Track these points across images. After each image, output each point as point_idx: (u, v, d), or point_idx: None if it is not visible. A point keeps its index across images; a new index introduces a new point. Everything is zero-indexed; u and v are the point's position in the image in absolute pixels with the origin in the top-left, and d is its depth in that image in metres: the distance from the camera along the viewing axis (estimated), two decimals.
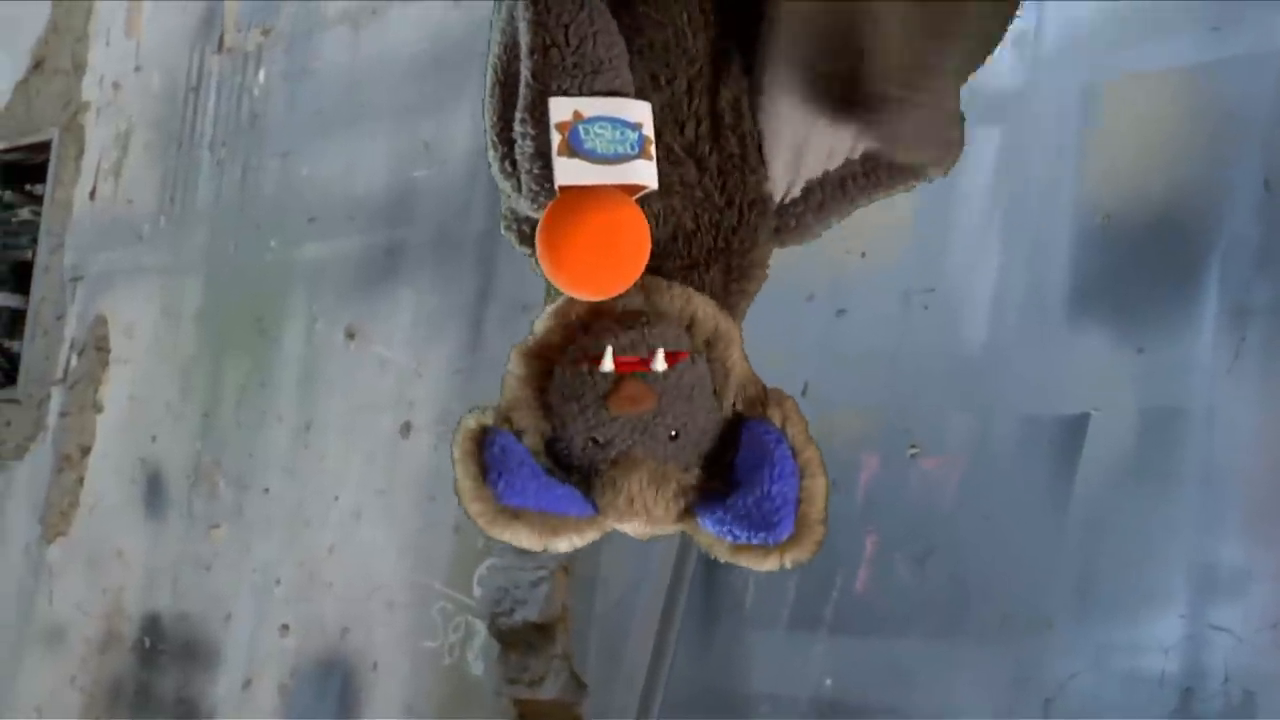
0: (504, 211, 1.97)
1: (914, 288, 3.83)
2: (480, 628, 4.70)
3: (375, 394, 5.18)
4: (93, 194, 6.51)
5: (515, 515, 1.80)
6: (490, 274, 4.93)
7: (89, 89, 6.61)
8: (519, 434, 1.84)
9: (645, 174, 1.80)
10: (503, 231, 1.98)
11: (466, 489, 1.81)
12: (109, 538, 6.08)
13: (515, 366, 1.86)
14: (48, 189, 6.68)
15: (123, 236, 6.34)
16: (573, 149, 1.78)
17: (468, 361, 4.94)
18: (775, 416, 1.84)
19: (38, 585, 6.35)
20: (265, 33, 5.88)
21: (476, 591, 4.72)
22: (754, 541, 1.80)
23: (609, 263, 1.77)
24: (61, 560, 6.26)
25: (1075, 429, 3.52)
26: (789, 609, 3.95)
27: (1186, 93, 3.49)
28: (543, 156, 1.81)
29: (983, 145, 3.77)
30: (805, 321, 3.94)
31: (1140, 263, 3.48)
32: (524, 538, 1.81)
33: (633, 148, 1.79)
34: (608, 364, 1.80)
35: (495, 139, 1.90)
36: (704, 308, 1.86)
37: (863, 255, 3.86)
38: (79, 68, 6.66)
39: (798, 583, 3.93)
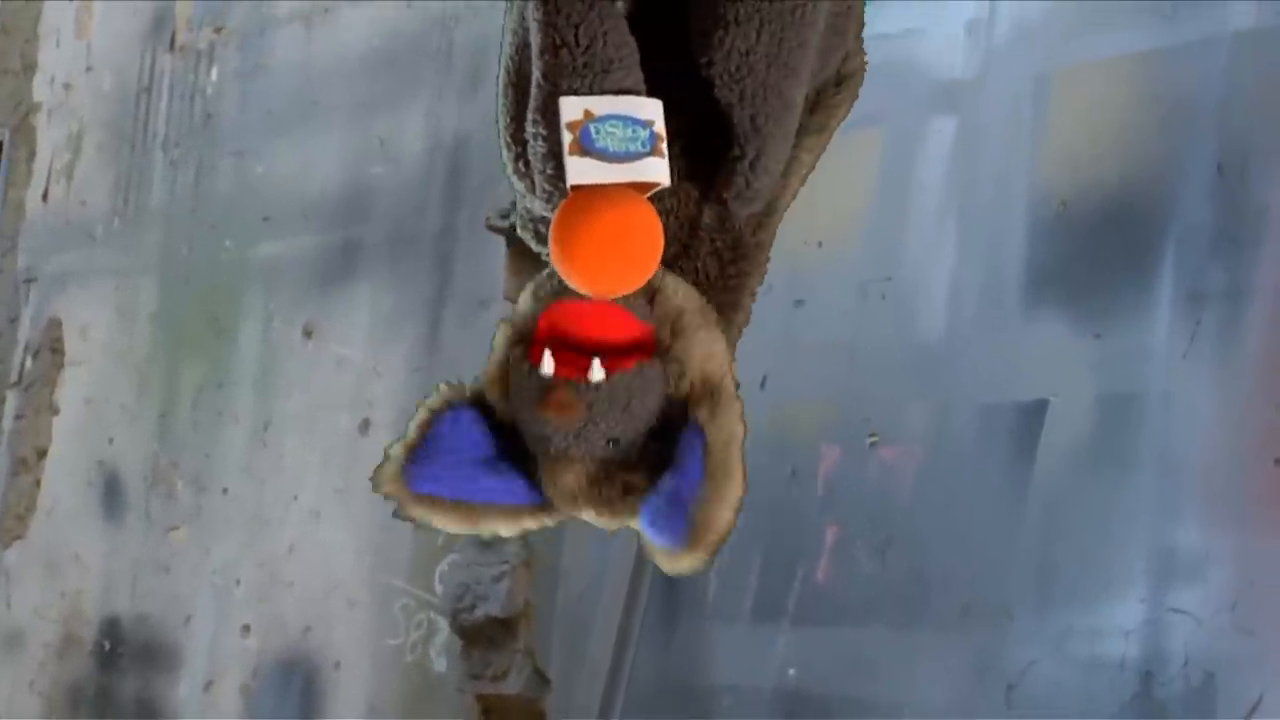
0: (520, 212, 1.97)
1: (871, 277, 3.84)
2: (442, 624, 4.69)
3: (333, 393, 5.17)
4: (45, 196, 6.47)
5: (425, 501, 1.84)
6: (448, 271, 4.92)
7: (40, 90, 6.57)
8: (489, 409, 1.85)
9: (658, 171, 1.80)
10: (519, 232, 1.98)
11: (387, 472, 1.85)
12: (67, 541, 6.04)
13: (496, 341, 1.87)
14: None
15: (76, 238, 6.30)
16: (584, 148, 1.78)
17: (426, 359, 4.93)
18: (702, 417, 1.80)
19: None
20: (217, 31, 5.86)
21: (438, 588, 4.71)
22: (661, 544, 1.79)
23: (622, 260, 1.77)
24: (19, 564, 6.23)
25: (1033, 416, 3.53)
26: (751, 600, 3.95)
27: (1138, 79, 3.51)
28: (555, 156, 1.81)
29: (938, 135, 3.78)
30: (763, 313, 3.92)
31: (1096, 249, 3.49)
32: (438, 522, 1.85)
33: (644, 145, 1.79)
34: (546, 366, 1.80)
35: (509, 140, 1.90)
36: (673, 284, 1.84)
37: (820, 246, 3.87)
38: (29, 68, 6.62)
39: (760, 574, 3.94)
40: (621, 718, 4.14)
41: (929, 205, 3.78)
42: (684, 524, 1.77)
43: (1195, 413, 3.31)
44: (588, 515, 1.85)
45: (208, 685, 5.39)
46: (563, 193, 1.81)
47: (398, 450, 1.85)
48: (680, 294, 1.84)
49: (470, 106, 4.95)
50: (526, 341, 1.84)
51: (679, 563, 1.79)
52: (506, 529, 1.87)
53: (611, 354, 1.81)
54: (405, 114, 5.12)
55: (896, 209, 3.75)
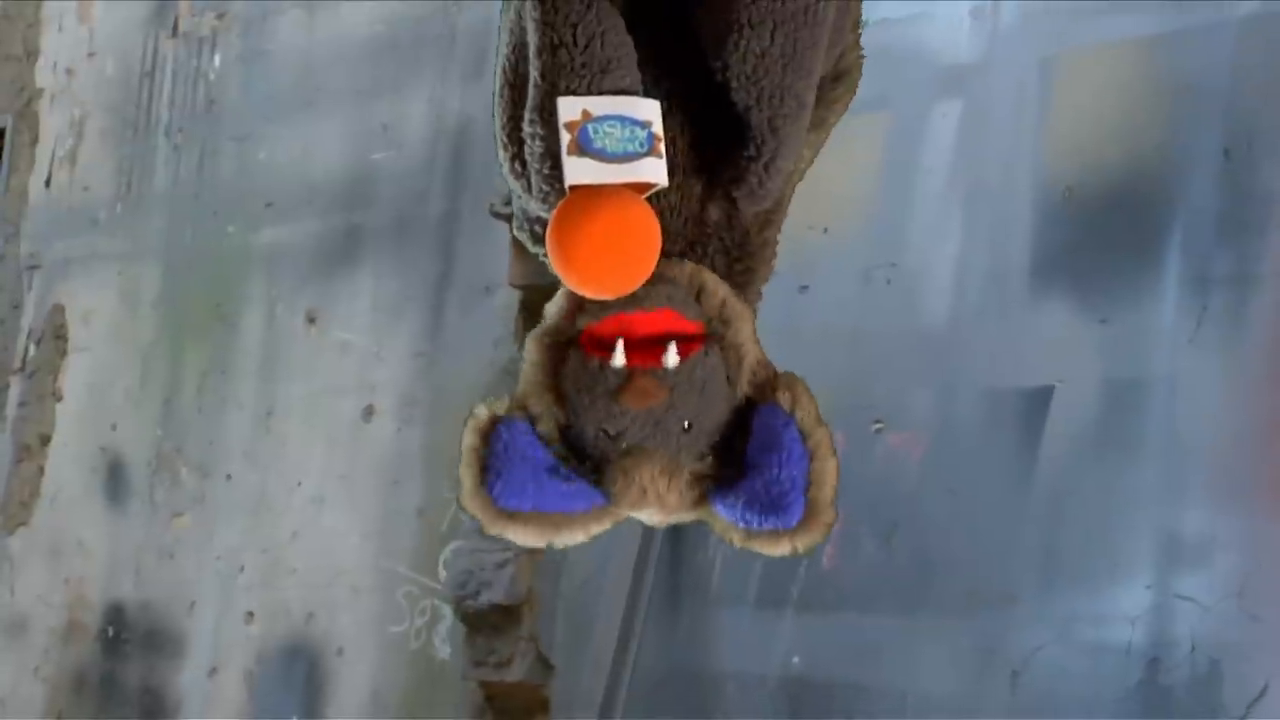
0: (515, 211, 1.97)
1: (876, 263, 3.83)
2: (446, 611, 4.68)
3: (336, 378, 5.16)
4: (48, 181, 6.46)
5: (512, 517, 1.82)
6: (451, 256, 4.91)
7: (42, 75, 6.56)
8: (534, 420, 1.85)
9: (655, 171, 1.80)
10: (515, 232, 1.99)
11: (466, 489, 1.84)
12: (70, 527, 6.04)
13: (530, 353, 1.86)
14: (2, 177, 6.63)
15: (79, 224, 6.29)
16: (582, 148, 1.78)
17: (429, 344, 4.92)
18: (785, 400, 1.83)
19: None
20: (220, 16, 5.85)
21: (442, 574, 4.71)
22: (765, 527, 1.80)
23: (619, 262, 1.78)
24: (22, 551, 6.23)
25: (1039, 401, 3.52)
26: (755, 587, 3.95)
27: (1145, 63, 3.49)
28: (552, 156, 1.81)
29: (943, 119, 3.77)
30: (767, 298, 3.92)
31: (1102, 234, 3.48)
32: (522, 537, 1.83)
33: (642, 146, 1.79)
34: (619, 358, 1.81)
35: (505, 139, 1.91)
36: (712, 280, 1.85)
37: (824, 231, 3.86)
38: (31, 54, 6.60)
39: (764, 560, 3.93)
40: (625, 705, 4.13)
41: (934, 190, 3.77)
42: (800, 504, 1.79)
43: (1201, 398, 3.30)
44: (647, 513, 1.85)
45: (211, 671, 5.38)
46: (560, 192, 1.80)
47: (468, 471, 1.83)
48: (720, 287, 1.86)
49: (474, 91, 4.94)
50: (573, 344, 1.84)
51: (792, 542, 1.81)
52: (579, 537, 1.86)
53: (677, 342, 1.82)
54: (408, 99, 5.11)
55: (901, 194, 3.74)
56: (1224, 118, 3.33)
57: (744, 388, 1.85)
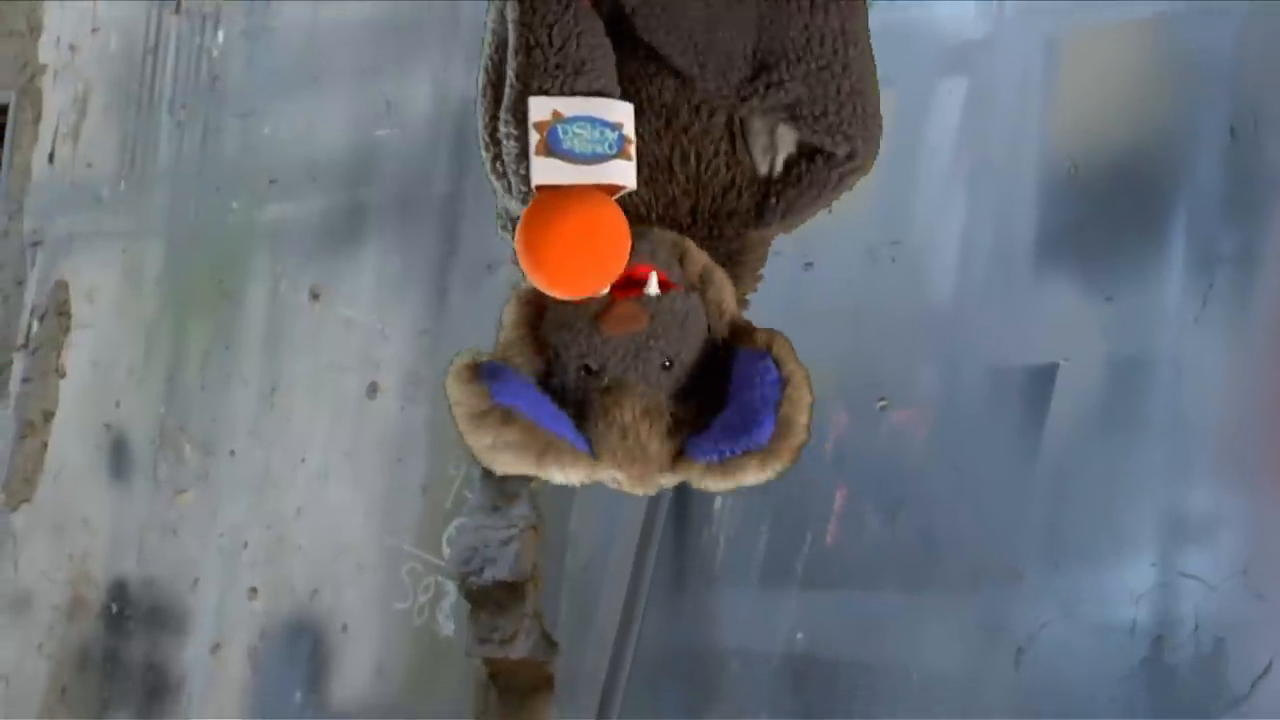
0: (498, 210, 1.99)
1: (880, 240, 3.82)
2: (450, 588, 4.69)
3: (341, 355, 5.16)
4: (51, 158, 6.46)
5: (508, 417, 1.78)
6: (454, 233, 4.91)
7: (45, 51, 6.55)
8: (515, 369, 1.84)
9: (624, 174, 1.82)
10: (499, 231, 2.00)
11: (457, 390, 1.78)
12: (74, 504, 6.05)
13: (509, 313, 1.87)
14: (5, 153, 6.63)
15: (82, 200, 6.29)
16: (550, 148, 1.80)
17: (433, 321, 4.92)
18: (762, 341, 1.84)
19: (2, 553, 6.32)
20: None
21: (446, 551, 4.71)
22: (738, 450, 1.79)
23: (586, 263, 1.79)
24: (26, 527, 6.23)
25: (1043, 379, 3.52)
26: (759, 564, 3.95)
27: (1151, 41, 3.48)
28: (527, 157, 1.83)
29: (948, 97, 3.76)
30: (771, 276, 3.92)
31: (1107, 212, 3.48)
32: (515, 442, 1.77)
33: (611, 148, 1.80)
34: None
35: (487, 139, 1.93)
36: (695, 248, 1.87)
37: (828, 209, 3.85)
38: (34, 30, 6.59)
39: (768, 538, 3.93)
40: (629, 683, 4.14)
41: (939, 167, 3.76)
42: (771, 421, 1.78)
43: (1206, 376, 3.30)
44: (626, 468, 1.83)
45: (215, 648, 5.39)
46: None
47: (462, 384, 1.79)
48: (702, 255, 1.88)
49: (477, 70, 4.93)
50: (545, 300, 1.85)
51: (762, 464, 1.80)
52: (557, 473, 1.82)
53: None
54: (412, 76, 5.10)
55: (906, 171, 3.73)
56: (1230, 96, 3.32)
57: (724, 333, 1.86)
